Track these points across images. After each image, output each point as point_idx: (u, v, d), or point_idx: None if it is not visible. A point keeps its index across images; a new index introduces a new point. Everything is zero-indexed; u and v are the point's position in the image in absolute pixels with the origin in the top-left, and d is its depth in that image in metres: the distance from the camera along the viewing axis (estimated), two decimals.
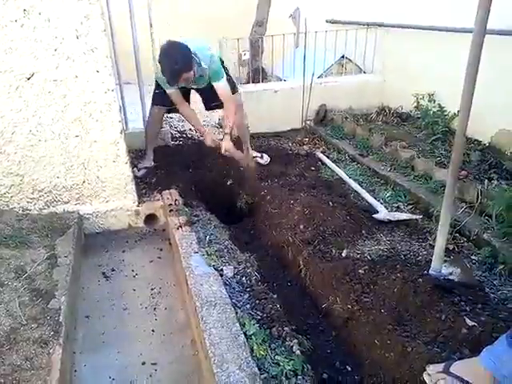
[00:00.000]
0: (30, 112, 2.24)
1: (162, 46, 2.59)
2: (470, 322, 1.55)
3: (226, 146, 2.95)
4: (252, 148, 3.38)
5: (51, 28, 2.10)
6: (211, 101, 3.08)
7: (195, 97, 3.23)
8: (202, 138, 3.92)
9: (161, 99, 3.03)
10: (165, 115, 3.31)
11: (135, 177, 2.70)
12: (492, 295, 1.83)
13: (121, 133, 2.42)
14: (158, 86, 3.03)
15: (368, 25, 4.13)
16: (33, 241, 2.22)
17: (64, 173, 2.43)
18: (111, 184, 2.54)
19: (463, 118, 1.58)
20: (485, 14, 1.43)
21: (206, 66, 2.74)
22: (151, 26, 3.27)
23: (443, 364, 1.39)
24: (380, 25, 4.03)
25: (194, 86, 2.98)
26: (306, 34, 3.75)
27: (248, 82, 4.25)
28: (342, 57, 4.36)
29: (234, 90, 3.13)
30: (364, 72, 4.36)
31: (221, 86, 2.86)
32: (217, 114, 4.05)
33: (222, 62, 3.04)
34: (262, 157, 3.32)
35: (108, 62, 2.24)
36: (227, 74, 3.06)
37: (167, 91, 2.88)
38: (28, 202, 2.46)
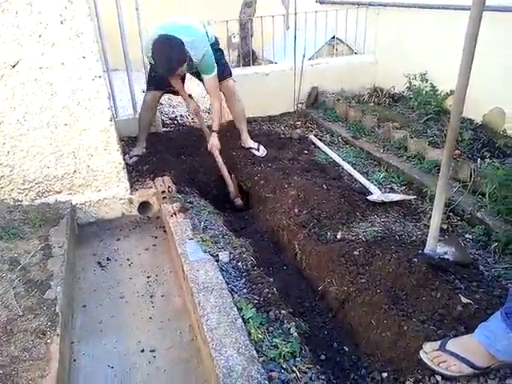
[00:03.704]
0: (17, 101, 2.19)
1: (155, 42, 2.52)
2: (464, 300, 1.56)
3: (214, 142, 2.90)
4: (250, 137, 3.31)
5: (34, 13, 2.04)
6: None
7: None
8: (193, 124, 3.90)
9: (157, 82, 2.98)
10: (158, 102, 3.26)
11: (127, 164, 2.67)
12: (486, 273, 1.85)
13: (110, 120, 2.38)
14: (153, 69, 2.97)
15: (359, 4, 4.07)
16: (26, 232, 2.20)
17: (54, 162, 2.40)
18: (103, 173, 2.51)
19: (459, 98, 1.57)
20: None
21: (198, 60, 2.68)
22: (137, 8, 3.20)
23: (439, 341, 1.41)
24: (371, 4, 3.98)
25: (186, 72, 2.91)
26: (295, 15, 3.70)
27: (238, 66, 4.20)
28: (333, 38, 4.31)
29: (228, 74, 3.08)
30: (355, 53, 4.32)
31: (209, 80, 2.81)
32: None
33: (218, 44, 2.98)
34: (258, 149, 3.20)
35: (94, 48, 2.19)
36: (222, 58, 3.00)
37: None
38: (19, 193, 2.43)
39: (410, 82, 3.52)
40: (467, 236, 2.15)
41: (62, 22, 2.09)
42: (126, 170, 2.58)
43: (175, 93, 3.17)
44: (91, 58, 2.20)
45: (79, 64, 2.20)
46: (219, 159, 2.92)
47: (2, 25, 2.01)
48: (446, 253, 1.88)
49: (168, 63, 2.54)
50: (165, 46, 2.52)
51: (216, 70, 2.81)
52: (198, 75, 2.97)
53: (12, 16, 2.01)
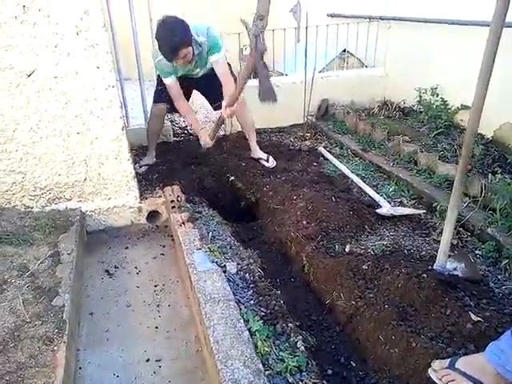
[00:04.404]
0: (31, 109, 2.23)
1: (160, 20, 2.49)
2: (474, 317, 1.54)
3: (233, 109, 2.67)
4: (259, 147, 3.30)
5: (51, 24, 2.08)
6: (215, 97, 2.99)
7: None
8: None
9: (163, 96, 2.98)
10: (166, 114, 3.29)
11: (137, 173, 2.70)
12: (497, 290, 1.83)
13: (122, 129, 2.41)
14: (160, 82, 3.00)
15: (370, 18, 4.10)
16: (35, 238, 2.22)
17: (66, 170, 2.43)
18: (113, 181, 2.53)
19: (475, 115, 1.56)
20: (503, 10, 1.39)
21: (204, 37, 2.65)
22: (151, 20, 3.25)
23: (449, 360, 1.38)
24: (382, 18, 4.00)
25: (194, 72, 2.87)
26: (306, 28, 3.73)
27: (249, 78, 4.22)
28: (344, 51, 4.33)
29: None
30: (366, 66, 4.34)
31: (219, 61, 2.75)
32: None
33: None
34: (267, 160, 3.18)
35: (108, 58, 2.23)
36: (231, 73, 3.02)
37: (166, 82, 2.81)
38: (30, 200, 2.45)
39: (421, 96, 3.52)
40: (477, 252, 2.13)
41: (77, 33, 2.13)
42: (136, 178, 2.60)
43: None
44: (105, 68, 2.24)
45: (93, 74, 2.23)
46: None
47: (20, 35, 2.05)
48: (455, 269, 1.86)
49: (172, 40, 2.45)
50: (170, 21, 2.47)
51: (224, 50, 2.75)
52: (207, 87, 2.95)
53: (30, 27, 2.05)
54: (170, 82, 2.81)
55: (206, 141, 2.98)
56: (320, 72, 4.07)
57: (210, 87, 2.95)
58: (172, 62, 2.64)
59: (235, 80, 2.76)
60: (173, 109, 3.07)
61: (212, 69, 2.85)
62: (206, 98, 3.17)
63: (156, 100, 3.08)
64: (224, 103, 2.65)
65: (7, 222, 2.32)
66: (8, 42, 2.06)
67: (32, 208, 2.47)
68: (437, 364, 1.40)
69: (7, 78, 2.13)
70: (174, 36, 2.45)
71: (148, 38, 3.28)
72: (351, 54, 4.36)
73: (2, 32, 2.04)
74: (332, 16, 4.78)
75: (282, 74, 4.43)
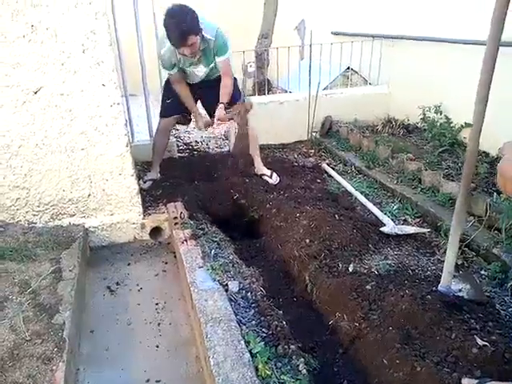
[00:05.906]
0: (37, 126, 2.25)
1: (168, 8, 2.47)
2: (480, 342, 1.51)
3: (220, 114, 2.82)
4: (263, 164, 3.31)
5: (58, 43, 2.12)
6: (209, 111, 3.05)
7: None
8: (208, 149, 3.94)
9: (173, 108, 3.02)
10: (172, 128, 3.32)
11: (141, 189, 2.70)
12: (503, 312, 1.79)
13: (127, 146, 2.42)
14: (167, 96, 3.03)
15: (373, 36, 4.13)
16: (38, 254, 2.22)
17: (70, 186, 2.44)
18: (117, 197, 2.54)
19: (475, 133, 1.56)
20: (498, 31, 1.40)
21: (212, 37, 2.66)
22: (157, 37, 3.30)
23: (478, 380, 1.35)
24: (385, 36, 4.03)
25: (197, 70, 2.87)
26: (311, 46, 3.77)
27: (254, 94, 4.26)
28: (348, 68, 4.36)
29: (242, 101, 3.12)
30: (370, 84, 4.36)
31: (223, 62, 2.79)
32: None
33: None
34: (271, 176, 3.19)
35: (114, 76, 2.26)
36: (235, 84, 3.04)
37: (170, 73, 2.86)
38: (34, 215, 2.46)
39: (424, 114, 3.52)
40: (483, 272, 2.10)
41: (84, 51, 2.16)
42: (139, 194, 2.60)
43: (187, 120, 3.22)
44: (110, 85, 2.26)
45: (99, 91, 2.26)
46: (227, 120, 2.92)
47: (27, 54, 2.09)
48: (460, 290, 1.83)
49: (180, 26, 2.42)
50: (179, 9, 2.46)
51: (230, 51, 2.79)
52: (209, 94, 2.99)
53: (37, 45, 2.09)
54: (174, 73, 2.85)
55: (199, 125, 3.09)
56: (324, 89, 4.10)
57: (208, 99, 2.99)
58: (179, 50, 2.62)
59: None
60: (183, 118, 3.12)
61: (213, 78, 2.89)
62: (204, 108, 3.19)
63: (163, 114, 3.11)
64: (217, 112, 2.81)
65: (10, 238, 2.32)
66: (16, 60, 2.09)
67: (35, 223, 2.47)
68: (466, 381, 1.37)
69: (14, 96, 2.16)
70: (182, 22, 2.43)
71: (153, 54, 3.32)
72: (355, 72, 4.39)
73: (10, 50, 2.07)
74: (336, 34, 4.82)
75: (286, 91, 4.45)
